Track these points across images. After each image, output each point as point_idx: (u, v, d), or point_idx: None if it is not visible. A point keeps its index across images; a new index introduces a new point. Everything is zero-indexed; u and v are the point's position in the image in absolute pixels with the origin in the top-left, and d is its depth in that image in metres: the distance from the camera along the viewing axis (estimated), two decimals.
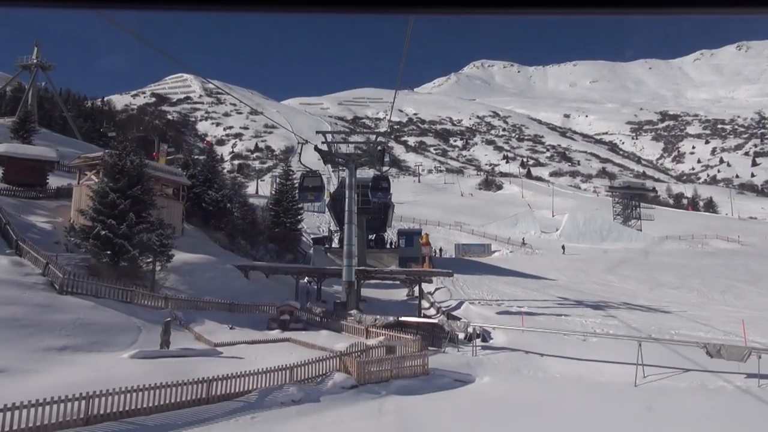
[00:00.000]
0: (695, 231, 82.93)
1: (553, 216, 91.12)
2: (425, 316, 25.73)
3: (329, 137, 28.87)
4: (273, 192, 45.78)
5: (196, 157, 45.35)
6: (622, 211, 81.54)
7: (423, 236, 41.69)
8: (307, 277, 31.29)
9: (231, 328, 20.93)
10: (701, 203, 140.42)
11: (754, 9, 1.44)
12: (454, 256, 61.52)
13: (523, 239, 66.78)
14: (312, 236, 61.82)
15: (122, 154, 23.10)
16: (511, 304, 29.53)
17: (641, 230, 77.89)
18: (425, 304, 30.17)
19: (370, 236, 53.81)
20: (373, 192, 28.21)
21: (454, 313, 26.31)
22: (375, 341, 19.45)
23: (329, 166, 33.00)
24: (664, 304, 33.36)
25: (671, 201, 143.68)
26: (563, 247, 61.59)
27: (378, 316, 21.79)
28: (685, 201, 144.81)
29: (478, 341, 19.74)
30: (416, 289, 32.55)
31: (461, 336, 20.16)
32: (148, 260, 23.03)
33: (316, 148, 27.91)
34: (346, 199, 27.35)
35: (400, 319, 21.23)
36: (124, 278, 21.97)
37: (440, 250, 59.31)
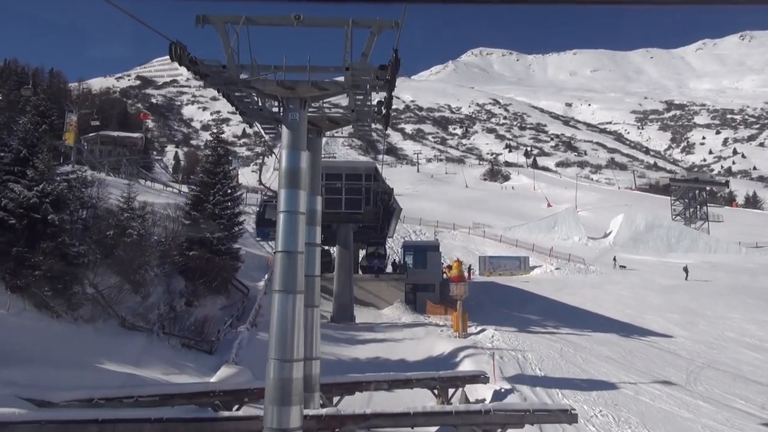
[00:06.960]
0: (765, 234, 66.11)
1: (576, 212, 73.85)
2: None
3: (233, 44, 9.22)
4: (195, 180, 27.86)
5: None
6: (684, 211, 63.92)
7: (453, 265, 23.14)
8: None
9: None
10: (739, 199, 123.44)
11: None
12: (480, 275, 44.05)
13: (614, 258, 47.78)
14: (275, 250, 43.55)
15: None
16: None
17: (709, 234, 60.64)
18: None
19: (362, 250, 35.83)
20: (370, 259, 24.32)
21: None
22: None
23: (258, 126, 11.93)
24: None
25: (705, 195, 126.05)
26: (686, 270, 40.79)
27: None
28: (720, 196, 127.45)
29: None
30: (454, 397, 15.18)
31: None
32: None
33: (172, 53, 8.58)
34: (277, 218, 8.77)
35: None
36: None
37: (470, 269, 41.17)
